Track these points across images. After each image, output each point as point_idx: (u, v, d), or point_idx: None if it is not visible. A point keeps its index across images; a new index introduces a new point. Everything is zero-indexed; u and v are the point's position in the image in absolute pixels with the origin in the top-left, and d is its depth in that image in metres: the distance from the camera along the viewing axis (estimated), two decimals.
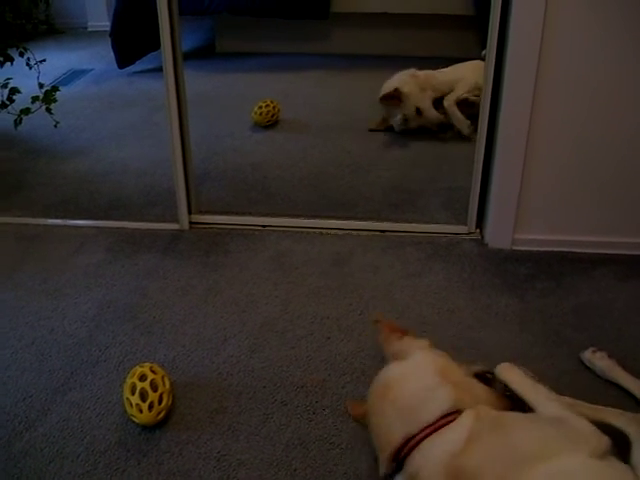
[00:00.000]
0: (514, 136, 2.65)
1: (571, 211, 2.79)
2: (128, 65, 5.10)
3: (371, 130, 4.03)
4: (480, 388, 1.76)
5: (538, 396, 1.70)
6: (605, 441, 1.50)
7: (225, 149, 3.85)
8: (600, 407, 1.82)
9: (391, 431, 1.65)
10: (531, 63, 2.51)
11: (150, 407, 1.97)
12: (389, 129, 4.01)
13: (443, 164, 3.60)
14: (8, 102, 3.51)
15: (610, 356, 2.19)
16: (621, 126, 2.62)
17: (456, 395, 1.65)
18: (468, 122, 3.84)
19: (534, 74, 2.52)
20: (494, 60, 2.64)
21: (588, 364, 2.22)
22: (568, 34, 2.47)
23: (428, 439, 1.59)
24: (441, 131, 3.93)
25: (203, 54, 5.52)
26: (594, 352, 2.22)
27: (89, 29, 6.37)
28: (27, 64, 3.61)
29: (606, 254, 2.81)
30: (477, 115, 2.82)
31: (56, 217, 3.16)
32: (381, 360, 2.03)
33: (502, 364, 1.84)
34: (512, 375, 1.80)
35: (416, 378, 1.74)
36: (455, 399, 1.64)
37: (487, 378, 1.83)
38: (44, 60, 3.67)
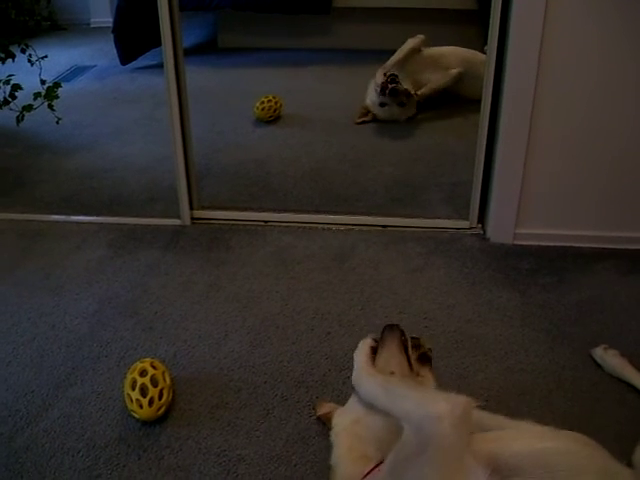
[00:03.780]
0: (515, 131, 2.65)
1: (573, 206, 2.78)
2: (131, 61, 5.10)
3: (358, 123, 4.08)
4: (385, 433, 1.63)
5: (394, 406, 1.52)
6: (455, 405, 1.36)
7: (227, 144, 3.85)
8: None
9: None
10: (532, 58, 2.50)
11: (150, 403, 1.97)
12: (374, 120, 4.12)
13: (445, 159, 3.60)
14: (10, 99, 3.51)
15: (622, 354, 2.18)
16: (623, 120, 2.61)
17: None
18: None
19: (535, 69, 2.51)
20: (495, 55, 2.63)
21: (599, 360, 2.20)
22: (569, 28, 2.46)
23: None
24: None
25: (205, 49, 5.52)
26: (606, 349, 2.21)
27: (92, 25, 6.37)
28: (29, 60, 3.61)
29: (608, 249, 2.80)
30: None
31: (58, 213, 3.17)
32: None
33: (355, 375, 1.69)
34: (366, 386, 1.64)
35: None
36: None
37: None
38: (46, 56, 3.66)
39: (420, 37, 4.24)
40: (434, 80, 4.23)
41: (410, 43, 4.20)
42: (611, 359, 2.18)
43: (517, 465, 1.31)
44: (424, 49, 4.26)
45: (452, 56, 4.29)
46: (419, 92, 4.13)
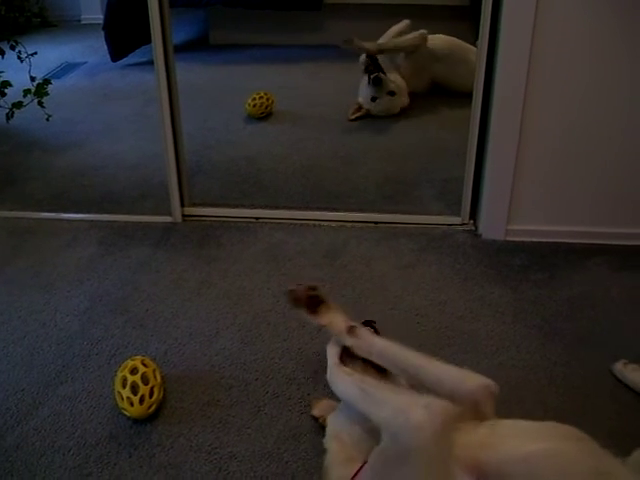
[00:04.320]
0: (507, 126, 2.64)
1: (565, 202, 2.78)
2: (121, 58, 5.08)
3: (351, 120, 4.07)
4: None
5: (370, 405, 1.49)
6: (435, 410, 1.32)
7: (218, 141, 3.84)
8: None
9: None
10: (523, 52, 2.50)
11: (141, 400, 1.97)
12: (367, 115, 4.11)
13: (437, 155, 3.60)
14: None
15: None
16: (614, 116, 2.61)
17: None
18: None
19: (526, 64, 2.51)
20: (486, 51, 2.63)
21: (619, 376, 2.13)
22: (561, 22, 2.46)
23: None
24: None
25: (197, 46, 5.51)
26: (625, 364, 2.14)
27: (82, 22, 6.34)
28: (18, 57, 3.59)
29: (600, 244, 2.80)
30: None
31: (48, 211, 3.15)
32: None
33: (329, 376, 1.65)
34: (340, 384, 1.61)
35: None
36: None
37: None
38: (35, 53, 3.64)
39: (405, 22, 4.25)
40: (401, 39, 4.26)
41: (395, 28, 4.23)
42: (631, 374, 2.11)
43: (503, 472, 1.28)
44: None
45: (438, 40, 4.30)
46: (381, 43, 4.14)
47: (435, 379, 1.53)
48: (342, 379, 1.59)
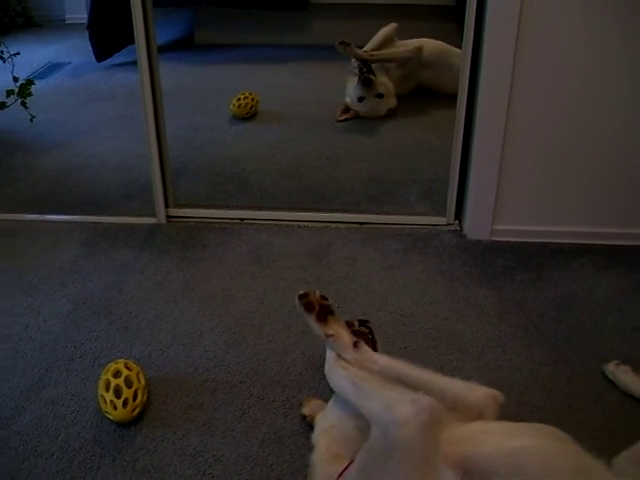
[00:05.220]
0: (492, 127, 2.64)
1: (550, 201, 2.78)
2: (106, 58, 5.04)
3: (339, 121, 4.05)
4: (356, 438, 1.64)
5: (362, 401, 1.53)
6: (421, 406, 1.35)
7: (203, 142, 3.82)
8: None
9: None
10: (508, 53, 2.49)
11: (124, 404, 1.96)
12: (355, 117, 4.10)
13: (422, 155, 3.59)
14: None
15: (635, 370, 2.10)
16: (600, 116, 2.61)
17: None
18: None
19: (511, 64, 2.51)
20: (471, 50, 2.62)
21: (611, 377, 2.12)
22: (545, 22, 2.46)
23: None
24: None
25: (182, 46, 5.48)
26: (617, 365, 2.13)
27: (67, 21, 6.29)
28: (1, 57, 3.57)
29: (586, 244, 2.81)
30: None
31: (32, 212, 3.13)
32: None
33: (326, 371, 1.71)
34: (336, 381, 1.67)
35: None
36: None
37: None
38: (18, 53, 3.62)
39: (393, 25, 4.25)
40: (395, 50, 4.26)
41: (383, 31, 4.22)
42: (623, 375, 2.10)
43: (489, 467, 1.30)
44: (398, 41, 4.26)
45: (427, 46, 4.29)
46: (374, 53, 4.12)
47: (441, 391, 1.56)
48: (337, 373, 1.63)
